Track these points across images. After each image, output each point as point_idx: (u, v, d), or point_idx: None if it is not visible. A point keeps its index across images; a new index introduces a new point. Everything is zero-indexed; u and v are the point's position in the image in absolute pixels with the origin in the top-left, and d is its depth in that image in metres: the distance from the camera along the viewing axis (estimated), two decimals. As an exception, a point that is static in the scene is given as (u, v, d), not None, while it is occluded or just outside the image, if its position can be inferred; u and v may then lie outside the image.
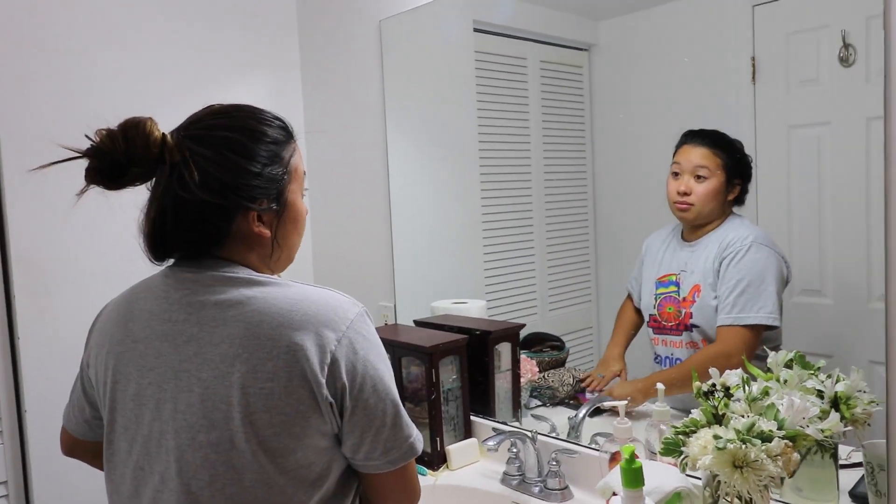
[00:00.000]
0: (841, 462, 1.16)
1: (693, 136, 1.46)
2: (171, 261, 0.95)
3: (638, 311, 1.63)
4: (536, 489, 1.40)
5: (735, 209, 1.44)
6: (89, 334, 1.02)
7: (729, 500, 0.99)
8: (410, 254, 1.93)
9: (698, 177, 1.43)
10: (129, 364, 0.92)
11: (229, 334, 0.87)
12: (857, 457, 1.16)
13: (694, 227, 1.49)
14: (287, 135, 0.97)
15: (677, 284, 1.49)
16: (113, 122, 0.87)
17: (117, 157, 0.85)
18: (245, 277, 0.91)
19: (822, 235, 1.32)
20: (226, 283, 0.90)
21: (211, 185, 0.87)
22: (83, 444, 1.07)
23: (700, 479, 1.11)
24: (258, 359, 0.85)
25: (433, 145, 1.98)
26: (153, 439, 0.90)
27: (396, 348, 1.64)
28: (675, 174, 1.47)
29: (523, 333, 1.76)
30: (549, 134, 1.87)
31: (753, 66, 1.38)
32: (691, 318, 1.46)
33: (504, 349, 1.68)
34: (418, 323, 1.82)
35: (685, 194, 1.44)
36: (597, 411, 1.52)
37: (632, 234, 1.77)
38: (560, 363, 1.80)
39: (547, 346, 1.84)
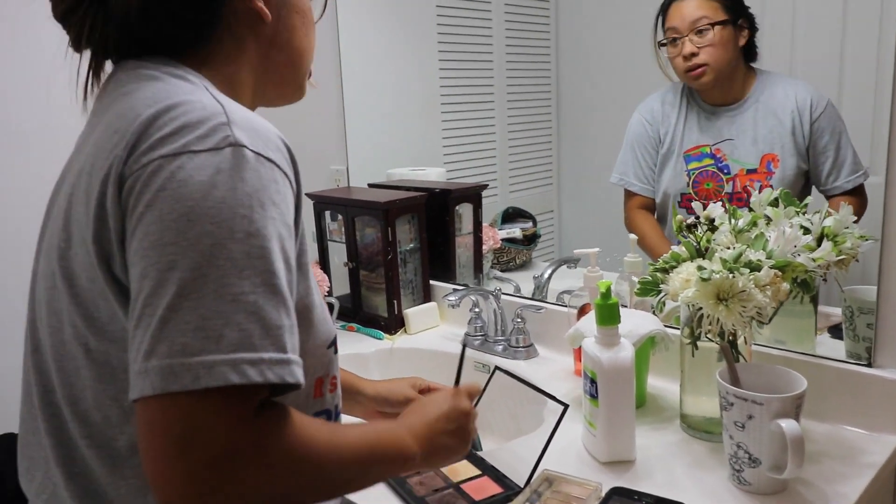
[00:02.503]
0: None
1: None
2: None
3: (648, 208, 1.44)
4: (500, 348, 1.33)
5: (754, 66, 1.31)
6: None
7: (711, 336, 0.92)
8: (365, 120, 1.77)
9: (700, 31, 1.29)
10: None
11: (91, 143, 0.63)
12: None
13: (718, 91, 1.33)
14: None
15: (713, 156, 1.33)
16: None
17: None
18: (152, 72, 0.63)
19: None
20: (132, 79, 0.64)
21: None
22: None
23: (675, 328, 1.04)
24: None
25: (388, 14, 1.79)
26: None
27: (350, 208, 1.51)
28: (674, 40, 1.32)
29: (499, 208, 1.70)
30: (511, 10, 1.77)
31: None
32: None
33: (465, 211, 1.57)
34: (373, 186, 1.69)
35: (693, 55, 1.30)
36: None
37: (597, 116, 1.68)
38: (530, 240, 1.72)
39: (519, 220, 1.75)
